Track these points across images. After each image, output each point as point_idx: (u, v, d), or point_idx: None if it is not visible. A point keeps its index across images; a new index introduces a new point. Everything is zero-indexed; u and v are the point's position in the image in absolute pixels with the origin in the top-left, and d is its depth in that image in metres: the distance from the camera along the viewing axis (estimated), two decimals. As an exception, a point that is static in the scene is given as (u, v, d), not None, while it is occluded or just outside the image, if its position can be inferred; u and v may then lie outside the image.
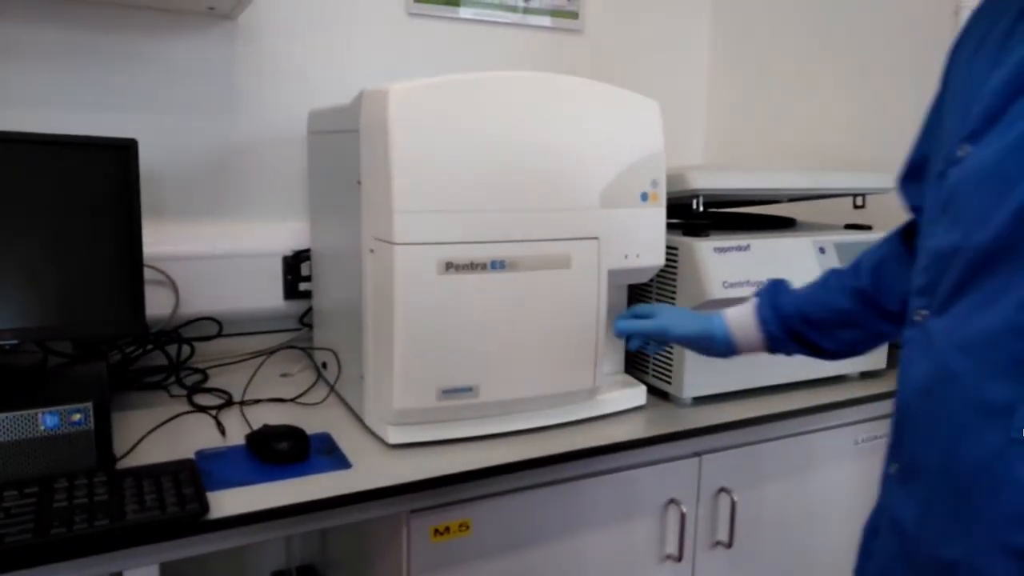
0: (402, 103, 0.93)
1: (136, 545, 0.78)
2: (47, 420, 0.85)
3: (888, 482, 0.72)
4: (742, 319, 0.97)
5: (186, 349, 1.32)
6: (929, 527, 0.65)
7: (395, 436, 1.02)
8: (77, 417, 0.86)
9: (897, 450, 0.71)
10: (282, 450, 0.96)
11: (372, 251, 1.00)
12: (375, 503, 0.93)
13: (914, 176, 0.79)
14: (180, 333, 1.32)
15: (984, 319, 0.60)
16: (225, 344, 1.38)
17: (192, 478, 0.86)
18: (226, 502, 0.85)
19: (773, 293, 0.96)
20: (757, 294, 0.99)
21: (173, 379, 1.24)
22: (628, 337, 1.08)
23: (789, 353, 0.97)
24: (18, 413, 0.84)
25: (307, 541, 1.53)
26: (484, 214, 0.98)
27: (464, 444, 1.04)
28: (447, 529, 1.02)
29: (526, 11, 1.61)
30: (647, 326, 1.04)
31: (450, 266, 0.97)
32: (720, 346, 0.99)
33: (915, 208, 0.81)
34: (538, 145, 1.01)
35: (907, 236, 0.88)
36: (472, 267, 0.98)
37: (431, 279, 0.97)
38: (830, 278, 0.93)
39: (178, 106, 1.36)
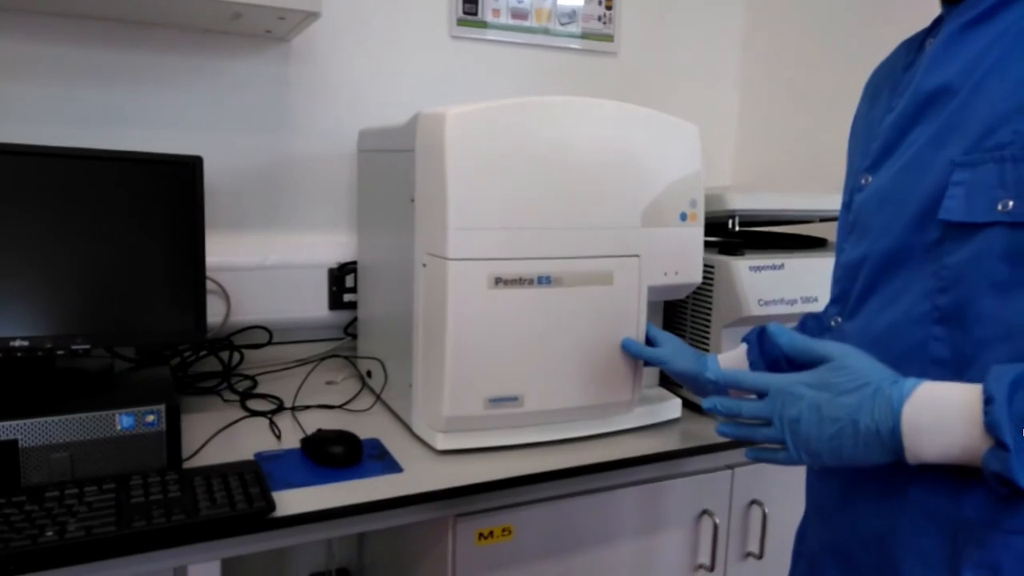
0: (458, 126, 0.98)
1: (209, 540, 0.83)
2: (123, 421, 0.91)
3: (811, 480, 0.80)
4: (734, 363, 1.04)
5: (235, 356, 1.37)
6: (851, 510, 0.73)
7: (443, 443, 1.07)
8: (151, 419, 0.92)
9: None
10: (336, 454, 1.01)
11: (425, 265, 1.05)
12: (425, 506, 0.98)
13: None
14: (232, 340, 1.37)
15: (888, 315, 0.69)
16: (272, 352, 1.44)
17: (257, 478, 0.91)
18: (288, 502, 0.90)
19: (760, 338, 1.02)
20: (745, 339, 1.04)
21: (225, 384, 1.30)
22: None
23: None
24: (97, 414, 0.90)
25: (345, 544, 1.57)
26: (532, 232, 1.03)
27: (508, 452, 1.09)
28: (491, 533, 1.06)
29: (562, 34, 1.67)
30: (650, 353, 1.10)
31: (499, 281, 1.02)
32: (712, 388, 1.03)
33: None
34: (583, 166, 1.06)
35: None
36: (520, 282, 1.03)
37: (481, 293, 1.01)
38: (808, 321, 0.99)
39: (233, 123, 1.42)
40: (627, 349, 1.11)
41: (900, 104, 0.73)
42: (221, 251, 1.37)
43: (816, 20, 1.73)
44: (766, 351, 1.00)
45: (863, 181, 0.76)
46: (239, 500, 0.85)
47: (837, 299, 0.79)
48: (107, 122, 1.33)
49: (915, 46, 0.78)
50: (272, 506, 0.86)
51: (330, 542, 1.52)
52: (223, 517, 0.83)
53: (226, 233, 1.41)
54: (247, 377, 1.34)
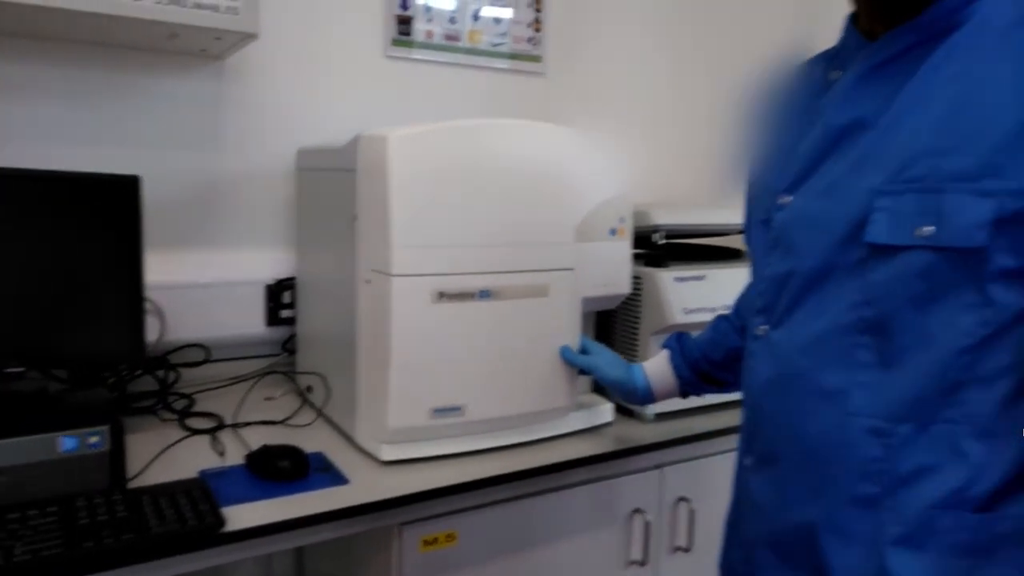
0: (400, 148, 1.03)
1: (161, 557, 0.84)
2: (66, 443, 0.90)
3: (744, 473, 0.86)
4: (659, 368, 1.12)
5: (171, 375, 1.36)
6: (785, 501, 0.79)
7: (388, 453, 1.10)
8: (94, 440, 0.92)
9: (751, 444, 0.85)
10: (284, 468, 1.03)
11: (368, 281, 1.08)
12: (372, 515, 1.01)
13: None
14: (168, 359, 1.36)
15: (816, 325, 0.76)
16: (209, 370, 1.43)
17: (204, 495, 0.92)
18: (237, 517, 0.91)
19: (681, 344, 1.10)
20: (665, 345, 1.13)
21: (162, 404, 1.29)
22: None
23: (699, 394, 1.13)
24: (38, 437, 0.89)
25: (282, 560, 1.57)
26: (472, 248, 1.08)
27: (451, 460, 1.13)
28: (435, 540, 1.09)
29: (493, 55, 1.73)
30: (584, 361, 1.18)
31: (442, 295, 1.06)
32: (641, 395, 1.13)
33: None
34: (519, 186, 1.11)
35: None
36: (461, 296, 1.07)
37: (424, 308, 1.05)
38: (720, 323, 1.08)
39: (168, 141, 1.41)
40: (564, 357, 1.17)
41: (814, 132, 0.80)
42: (156, 269, 1.34)
43: (741, 34, 1.84)
44: (688, 354, 1.08)
45: (781, 201, 0.82)
46: (189, 517, 0.87)
47: (763, 310, 0.84)
48: (41, 139, 1.30)
49: (817, 74, 0.85)
50: (222, 521, 0.88)
51: (270, 559, 1.51)
52: (173, 534, 0.84)
53: (161, 251, 1.39)
54: (184, 396, 1.34)
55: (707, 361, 1.08)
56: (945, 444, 0.69)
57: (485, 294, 1.09)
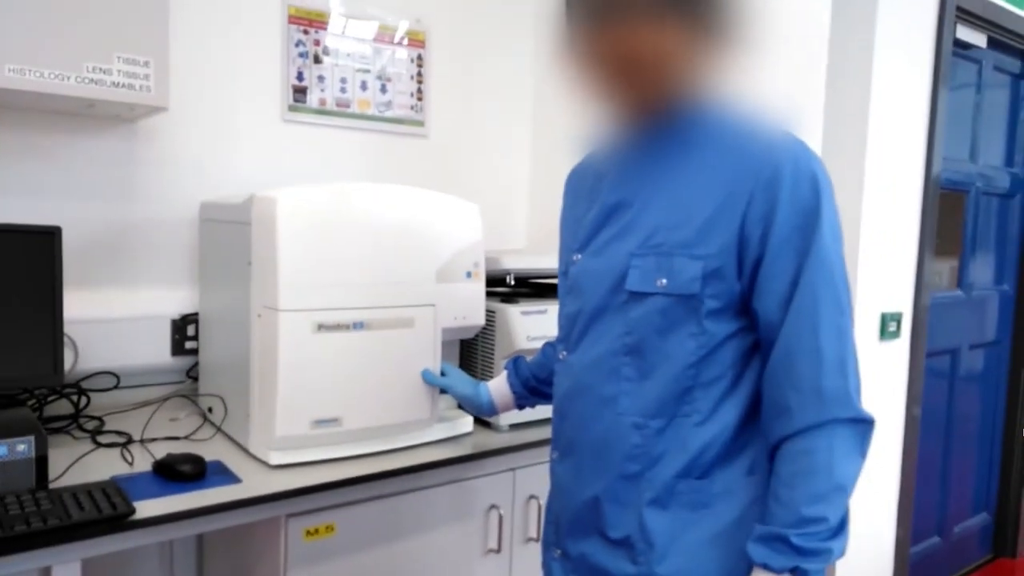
0: (287, 207, 1.27)
1: (82, 539, 1.03)
2: (-2, 450, 1.09)
3: (553, 464, 1.11)
4: (499, 386, 1.39)
5: (83, 399, 1.54)
6: (579, 482, 1.04)
7: (276, 458, 1.32)
8: (22, 447, 1.11)
9: (557, 441, 1.10)
10: (185, 471, 1.24)
11: (260, 316, 1.31)
12: (260, 507, 1.22)
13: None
14: (80, 385, 1.54)
15: (596, 349, 1.01)
16: (117, 396, 1.61)
17: (117, 491, 1.12)
18: (146, 508, 1.11)
19: (515, 365, 1.38)
20: (505, 367, 1.41)
21: (75, 424, 1.46)
22: None
23: (532, 405, 1.40)
24: (-27, 445, 1.07)
25: (183, 560, 1.73)
26: (348, 287, 1.33)
27: (331, 464, 1.35)
28: (316, 530, 1.32)
29: (380, 119, 2.00)
30: (440, 381, 1.44)
31: (321, 327, 1.30)
32: (486, 408, 1.41)
33: None
34: (389, 236, 1.37)
35: None
36: (339, 327, 1.32)
37: (307, 337, 1.29)
38: (547, 348, 1.36)
39: (85, 194, 1.60)
40: (425, 378, 1.43)
41: (595, 208, 1.04)
42: (73, 305, 1.52)
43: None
44: (520, 373, 1.36)
45: (575, 258, 1.06)
46: (104, 507, 1.07)
47: (563, 340, 1.09)
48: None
49: (596, 163, 1.10)
50: (133, 510, 1.08)
51: (171, 558, 1.68)
52: (92, 520, 1.04)
53: (77, 289, 1.57)
54: (95, 418, 1.51)
55: (535, 379, 1.35)
56: (680, 433, 0.96)
57: (359, 325, 1.34)
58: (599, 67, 0.96)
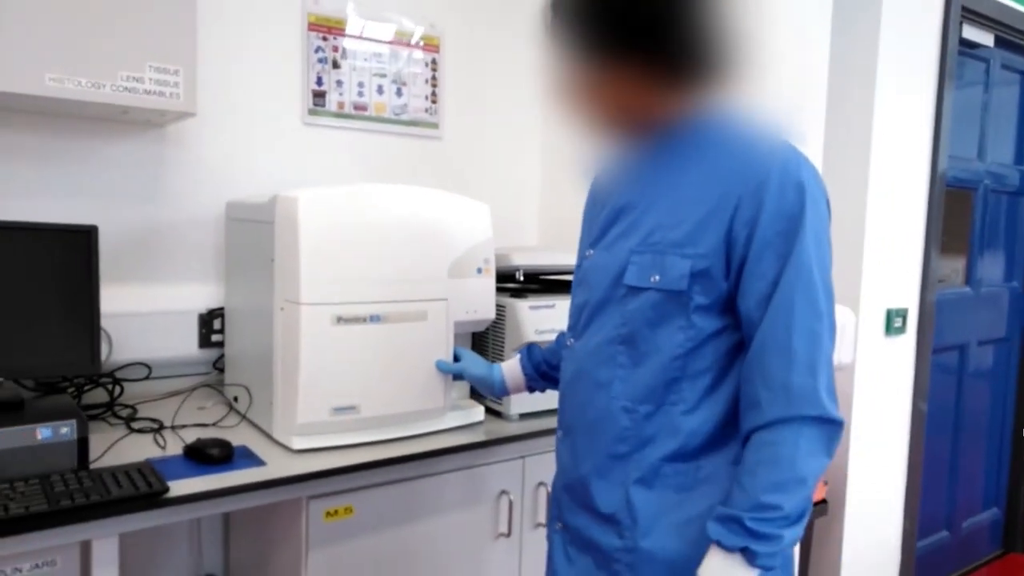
0: (308, 207, 1.35)
1: (121, 514, 1.12)
2: (43, 432, 1.18)
3: (557, 443, 1.18)
4: (512, 368, 1.45)
5: (117, 389, 1.63)
6: (575, 460, 1.11)
7: (298, 443, 1.40)
8: (65, 431, 1.20)
9: (560, 422, 1.17)
10: (214, 455, 1.32)
11: (282, 309, 1.40)
12: (283, 488, 1.30)
13: None
14: (115, 375, 1.63)
15: (597, 338, 1.08)
16: (147, 385, 1.70)
17: (152, 472, 1.21)
18: (179, 487, 1.20)
19: (529, 351, 1.44)
20: (518, 351, 1.47)
21: (110, 412, 1.56)
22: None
23: (541, 389, 1.46)
24: (21, 427, 1.16)
25: (210, 537, 1.82)
26: (365, 282, 1.41)
27: (349, 449, 1.43)
28: (336, 512, 1.40)
29: (396, 122, 2.08)
30: (453, 367, 1.51)
31: (340, 319, 1.38)
32: (497, 388, 1.47)
33: None
34: (404, 234, 1.45)
35: None
36: (356, 320, 1.40)
37: (326, 329, 1.37)
38: (560, 337, 1.41)
39: (117, 195, 1.70)
40: (439, 367, 1.50)
41: (607, 209, 1.11)
42: (106, 300, 1.62)
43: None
44: (533, 358, 1.42)
45: (588, 253, 1.14)
46: (141, 485, 1.15)
47: (571, 328, 1.17)
48: (15, 196, 1.58)
49: (613, 169, 1.17)
50: (166, 487, 1.17)
51: (200, 540, 1.77)
52: (130, 496, 1.12)
53: (109, 285, 1.66)
54: (128, 406, 1.60)
55: (546, 364, 1.41)
56: (668, 419, 1.02)
57: (375, 318, 1.42)
58: (577, 102, 1.04)
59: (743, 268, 0.97)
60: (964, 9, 2.42)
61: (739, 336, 1.01)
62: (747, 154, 0.99)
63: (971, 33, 2.53)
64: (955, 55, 2.42)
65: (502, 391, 1.47)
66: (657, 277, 1.01)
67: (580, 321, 1.13)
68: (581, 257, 1.17)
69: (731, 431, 1.01)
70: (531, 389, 1.46)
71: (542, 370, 1.42)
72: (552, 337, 1.54)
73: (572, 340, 1.15)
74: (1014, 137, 2.99)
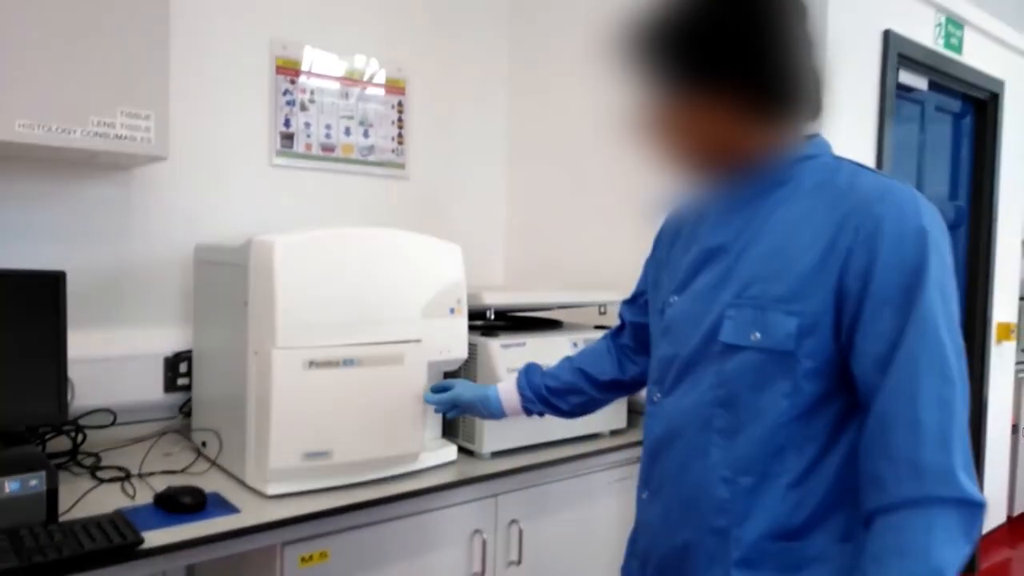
0: (284, 251, 1.36)
1: (95, 568, 1.09)
2: (11, 485, 1.15)
3: (641, 504, 1.09)
4: (508, 389, 1.43)
5: (80, 436, 1.59)
6: (668, 526, 1.01)
7: (272, 489, 1.39)
8: (34, 483, 1.17)
9: (646, 481, 1.07)
10: (187, 503, 1.30)
11: (256, 353, 1.39)
12: (259, 536, 1.29)
13: (631, 302, 1.32)
14: (77, 422, 1.60)
15: (690, 397, 0.98)
16: (111, 432, 1.67)
17: (125, 522, 1.19)
18: (153, 538, 1.18)
19: (527, 371, 1.43)
20: (518, 372, 1.47)
21: (73, 461, 1.52)
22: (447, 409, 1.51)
23: (541, 414, 1.44)
24: (-12, 481, 1.13)
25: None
26: (339, 325, 1.41)
27: (323, 493, 1.43)
28: (311, 557, 1.39)
29: (363, 163, 2.10)
30: (444, 397, 1.48)
31: (313, 363, 1.39)
32: (494, 409, 1.43)
33: (625, 321, 1.33)
34: (377, 276, 1.47)
35: (616, 335, 1.40)
36: (330, 364, 1.40)
37: (299, 373, 1.37)
38: (564, 361, 1.42)
39: (83, 236, 1.68)
40: (428, 401, 1.49)
41: (693, 250, 1.02)
42: (70, 345, 1.59)
43: (566, 156, 2.31)
44: (531, 379, 1.39)
45: (671, 300, 1.03)
46: (115, 537, 1.13)
47: (657, 382, 1.05)
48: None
49: (695, 208, 1.07)
50: (141, 539, 1.15)
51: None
52: (104, 549, 1.10)
53: (75, 330, 1.62)
54: (91, 454, 1.57)
55: (545, 388, 1.38)
56: (771, 492, 0.92)
57: (349, 362, 1.42)
58: (662, 136, 0.98)
59: (856, 326, 0.87)
60: (900, 56, 2.57)
61: (851, 400, 0.91)
62: (855, 197, 0.90)
63: (907, 78, 2.69)
64: (892, 97, 2.57)
65: (498, 412, 1.42)
66: (758, 335, 0.91)
67: (668, 376, 1.03)
68: (663, 302, 1.07)
69: (840, 504, 0.92)
70: (528, 411, 1.40)
71: (540, 393, 1.37)
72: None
73: (659, 395, 1.05)
74: (948, 174, 3.17)
